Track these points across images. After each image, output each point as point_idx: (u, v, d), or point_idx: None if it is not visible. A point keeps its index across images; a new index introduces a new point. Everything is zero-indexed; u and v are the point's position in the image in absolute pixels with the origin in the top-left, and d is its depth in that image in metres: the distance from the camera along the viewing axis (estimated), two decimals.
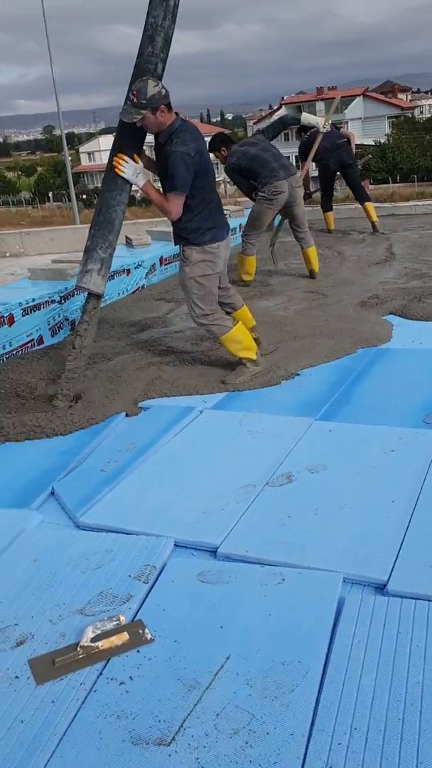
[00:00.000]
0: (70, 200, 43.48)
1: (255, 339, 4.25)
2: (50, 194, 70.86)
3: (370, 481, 2.87)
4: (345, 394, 3.84)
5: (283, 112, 68.92)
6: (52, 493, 3.07)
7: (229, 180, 4.63)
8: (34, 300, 5.06)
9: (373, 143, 57.12)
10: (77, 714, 1.86)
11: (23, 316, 4.95)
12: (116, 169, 3.70)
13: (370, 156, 37.33)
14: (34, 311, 5.06)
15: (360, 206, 8.19)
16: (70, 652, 2.05)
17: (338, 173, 7.88)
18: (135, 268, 6.41)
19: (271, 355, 4.41)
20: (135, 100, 3.53)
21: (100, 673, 1.99)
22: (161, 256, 6.97)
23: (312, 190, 8.17)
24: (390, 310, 5.14)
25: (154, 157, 3.90)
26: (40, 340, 5.12)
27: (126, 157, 3.69)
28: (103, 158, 72.78)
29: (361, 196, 8.06)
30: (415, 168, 52.27)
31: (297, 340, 4.65)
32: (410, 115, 65.45)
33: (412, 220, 8.92)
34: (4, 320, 4.79)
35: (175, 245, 4.02)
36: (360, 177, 8.19)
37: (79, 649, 2.06)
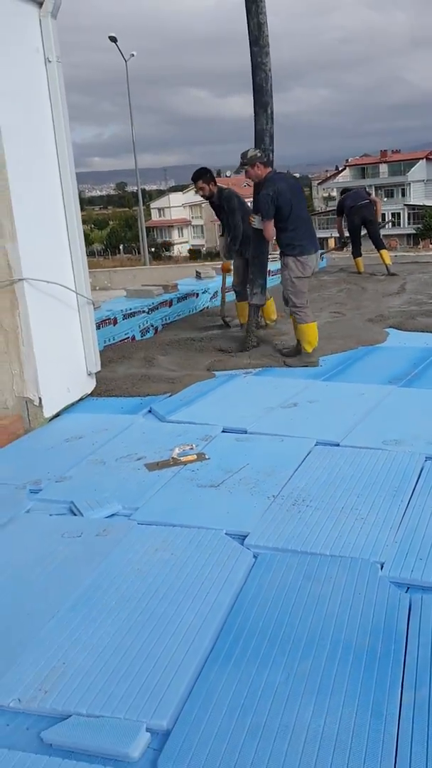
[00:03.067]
0: (139, 252, 46.58)
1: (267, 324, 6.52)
2: (121, 246, 74.92)
3: (341, 405, 4.70)
4: (343, 369, 5.66)
5: (347, 173, 71.81)
6: (150, 411, 4.97)
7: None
8: (130, 309, 7.09)
9: None
10: (171, 479, 3.71)
11: (123, 319, 6.98)
12: (251, 223, 5.94)
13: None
14: (131, 317, 7.07)
15: (377, 253, 10.14)
16: (166, 461, 3.92)
17: (362, 227, 9.88)
18: (202, 293, 8.44)
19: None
20: (242, 160, 5.71)
21: (182, 468, 3.85)
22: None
23: (345, 238, 10.25)
24: (390, 324, 6.96)
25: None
26: (133, 338, 7.11)
27: (253, 216, 5.89)
28: (173, 214, 77.08)
29: (377, 245, 10.02)
30: None
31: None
32: None
33: (430, 266, 10.77)
34: (110, 321, 6.80)
35: (280, 257, 6.00)
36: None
37: (170, 459, 3.93)
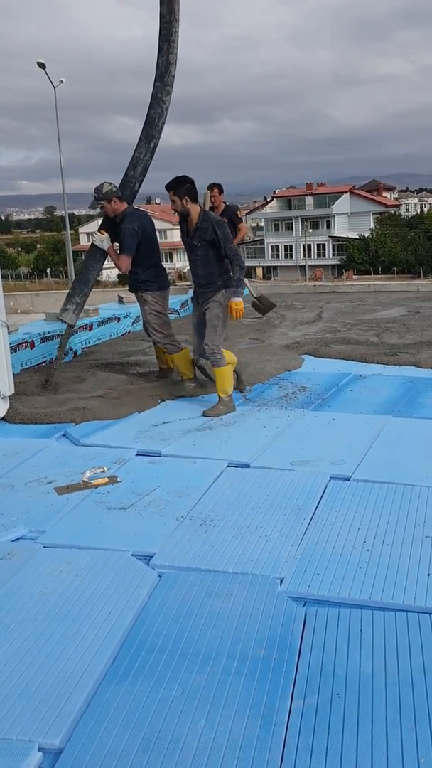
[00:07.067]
0: (67, 276, 46.31)
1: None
2: (48, 270, 73.98)
3: (254, 429, 4.80)
4: (258, 394, 5.80)
5: (274, 204, 73.46)
6: (64, 434, 4.95)
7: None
8: (49, 333, 7.06)
9: (357, 236, 61.12)
10: (80, 503, 3.72)
11: (41, 343, 6.94)
12: (93, 237, 5.77)
13: None
14: (49, 341, 7.04)
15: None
16: (76, 484, 3.92)
17: None
18: (124, 318, 8.49)
19: None
20: (96, 195, 5.60)
21: (92, 491, 3.86)
22: None
23: None
24: (305, 351, 7.17)
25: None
26: (51, 362, 7.06)
27: (98, 232, 5.75)
28: None
29: None
30: (396, 261, 55.79)
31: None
32: (393, 212, 69.92)
33: (346, 296, 11.17)
34: (27, 345, 6.76)
35: (131, 291, 5.99)
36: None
37: (81, 482, 3.93)
